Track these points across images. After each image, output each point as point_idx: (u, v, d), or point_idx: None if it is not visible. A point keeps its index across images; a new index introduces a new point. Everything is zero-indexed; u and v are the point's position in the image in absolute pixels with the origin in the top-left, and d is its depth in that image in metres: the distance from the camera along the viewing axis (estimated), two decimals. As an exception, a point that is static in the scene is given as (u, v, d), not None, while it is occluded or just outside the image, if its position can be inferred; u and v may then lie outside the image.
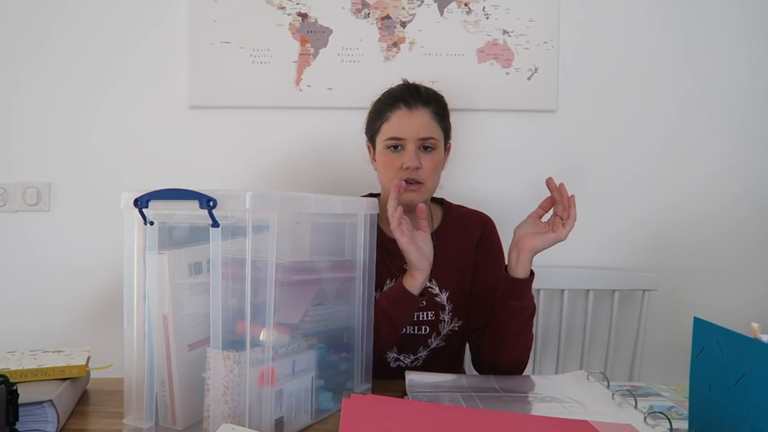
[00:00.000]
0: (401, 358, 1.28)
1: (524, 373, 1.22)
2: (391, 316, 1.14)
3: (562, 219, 1.14)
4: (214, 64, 1.63)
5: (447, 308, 1.28)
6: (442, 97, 1.30)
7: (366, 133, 1.33)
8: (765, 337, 0.68)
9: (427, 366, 1.28)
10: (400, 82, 1.31)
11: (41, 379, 0.95)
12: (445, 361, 1.29)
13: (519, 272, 1.16)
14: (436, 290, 1.28)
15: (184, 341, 0.88)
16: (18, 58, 1.63)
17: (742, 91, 1.69)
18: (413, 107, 1.23)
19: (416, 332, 1.27)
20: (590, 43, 1.68)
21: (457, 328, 1.29)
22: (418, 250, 1.11)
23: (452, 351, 1.31)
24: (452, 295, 1.28)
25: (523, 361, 1.21)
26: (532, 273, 1.18)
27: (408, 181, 1.21)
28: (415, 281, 1.12)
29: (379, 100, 1.30)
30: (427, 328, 1.27)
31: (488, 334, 1.22)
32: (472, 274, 1.30)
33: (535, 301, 1.60)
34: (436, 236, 1.30)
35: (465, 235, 1.31)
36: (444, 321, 1.28)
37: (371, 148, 1.32)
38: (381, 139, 1.26)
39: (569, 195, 1.14)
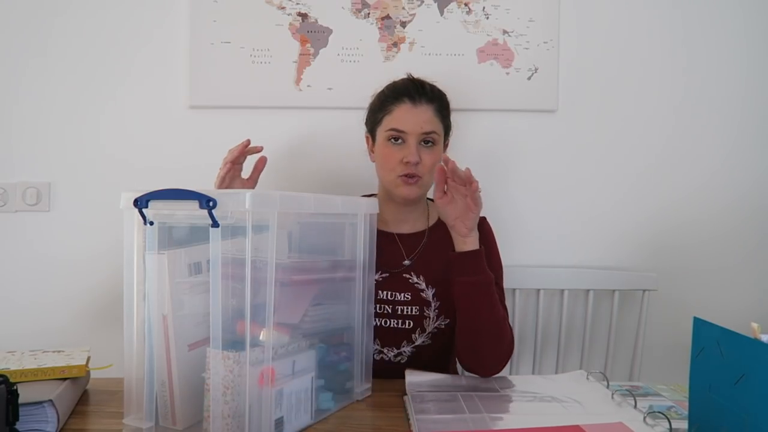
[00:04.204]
0: (384, 351, 1.27)
1: (524, 374, 1.22)
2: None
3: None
4: (214, 64, 1.62)
5: (433, 305, 1.27)
6: (445, 95, 1.32)
7: (366, 124, 1.35)
8: (765, 337, 0.68)
9: (412, 363, 1.26)
10: (404, 76, 1.32)
11: (41, 379, 0.95)
12: (432, 360, 1.27)
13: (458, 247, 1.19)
14: (423, 285, 1.27)
15: (184, 341, 0.88)
16: (18, 58, 1.63)
17: (742, 90, 1.69)
18: (418, 102, 1.25)
19: (399, 326, 1.26)
20: (590, 43, 1.68)
21: (443, 326, 1.27)
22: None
23: (439, 350, 1.30)
24: (439, 293, 1.27)
25: (487, 351, 1.17)
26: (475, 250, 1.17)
27: (408, 176, 1.23)
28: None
29: (382, 92, 1.31)
30: (411, 323, 1.26)
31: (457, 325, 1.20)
32: None
33: (536, 300, 1.62)
34: (430, 233, 1.32)
35: None
36: (429, 317, 1.27)
37: (370, 140, 1.34)
38: (382, 131, 1.27)
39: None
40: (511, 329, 1.22)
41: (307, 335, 0.95)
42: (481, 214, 1.29)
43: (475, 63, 1.65)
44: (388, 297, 1.27)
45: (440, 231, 1.30)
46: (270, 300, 0.82)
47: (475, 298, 1.15)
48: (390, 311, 1.26)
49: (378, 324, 1.26)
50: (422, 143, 1.24)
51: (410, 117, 1.24)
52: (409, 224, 1.34)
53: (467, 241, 1.17)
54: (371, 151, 1.34)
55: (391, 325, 1.26)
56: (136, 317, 0.87)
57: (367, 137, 1.35)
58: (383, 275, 1.27)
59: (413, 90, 1.27)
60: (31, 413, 0.85)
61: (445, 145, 1.34)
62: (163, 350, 0.87)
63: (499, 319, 1.18)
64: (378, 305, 1.26)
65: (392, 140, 1.25)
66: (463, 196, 1.16)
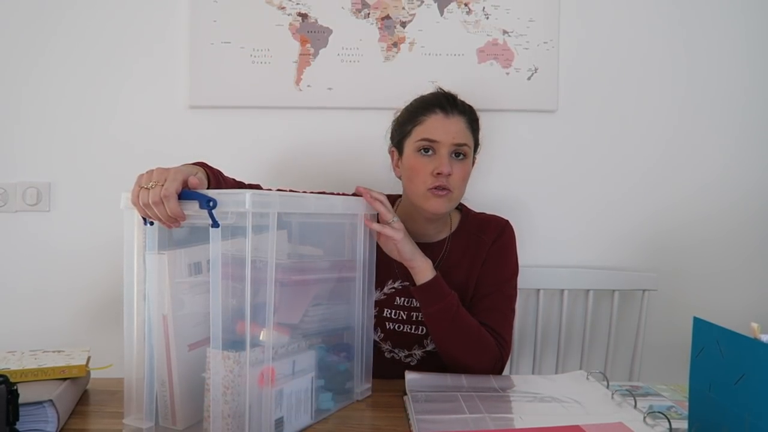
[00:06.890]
0: (395, 351, 1.29)
1: (524, 374, 1.22)
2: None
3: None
4: (214, 64, 1.62)
5: None
6: (475, 111, 1.29)
7: (392, 138, 1.30)
8: (765, 337, 0.68)
9: (423, 367, 1.26)
10: (433, 90, 1.29)
11: (41, 379, 0.95)
12: (443, 367, 1.26)
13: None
14: None
15: (184, 341, 0.88)
16: (18, 58, 1.63)
17: (743, 92, 1.69)
18: (450, 113, 1.22)
19: (412, 331, 1.27)
20: (590, 43, 1.68)
21: None
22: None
23: None
24: None
25: (471, 363, 1.17)
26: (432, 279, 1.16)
27: (438, 188, 1.19)
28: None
29: (411, 104, 1.28)
30: (424, 329, 1.26)
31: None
32: (478, 276, 1.28)
33: (536, 300, 1.62)
34: (450, 240, 1.30)
35: (478, 240, 1.29)
36: None
37: (395, 154, 1.29)
38: (411, 142, 1.22)
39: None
40: (499, 335, 1.21)
41: (307, 335, 0.95)
42: (503, 216, 1.34)
43: (475, 63, 1.65)
44: (405, 304, 1.27)
45: (461, 239, 1.30)
46: (270, 300, 0.82)
47: (444, 323, 1.15)
48: (405, 317, 1.27)
49: (392, 328, 1.27)
50: (453, 155, 1.20)
51: (443, 126, 1.20)
52: (432, 235, 1.30)
53: (419, 272, 1.16)
54: (396, 165, 1.29)
55: (405, 330, 1.27)
56: (136, 317, 0.87)
57: (392, 152, 1.30)
58: (403, 284, 1.27)
59: (445, 101, 1.23)
60: (31, 413, 0.86)
61: (473, 162, 1.30)
62: (163, 350, 0.87)
63: (472, 333, 1.17)
64: (394, 311, 1.27)
65: (422, 151, 1.20)
66: (375, 234, 1.13)
